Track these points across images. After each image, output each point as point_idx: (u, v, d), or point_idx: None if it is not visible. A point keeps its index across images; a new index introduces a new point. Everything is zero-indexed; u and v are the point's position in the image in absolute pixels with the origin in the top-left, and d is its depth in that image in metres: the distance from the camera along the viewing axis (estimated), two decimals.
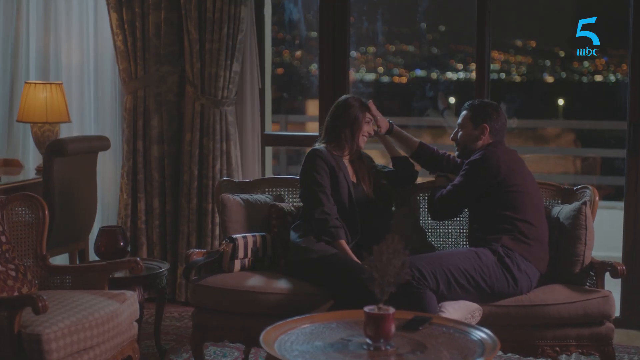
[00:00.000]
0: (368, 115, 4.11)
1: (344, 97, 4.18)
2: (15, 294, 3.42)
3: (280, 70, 9.11)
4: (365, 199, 4.06)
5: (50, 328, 3.12)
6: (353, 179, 4.09)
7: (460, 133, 4.00)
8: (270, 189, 4.37)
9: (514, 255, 3.71)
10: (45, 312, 3.08)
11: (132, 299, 3.58)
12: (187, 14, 5.11)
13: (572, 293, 3.73)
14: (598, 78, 9.12)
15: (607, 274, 3.79)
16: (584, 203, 3.86)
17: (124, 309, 3.49)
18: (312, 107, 8.83)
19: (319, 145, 4.08)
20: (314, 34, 8.34)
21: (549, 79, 9.51)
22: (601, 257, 3.96)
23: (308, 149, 4.15)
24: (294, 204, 4.29)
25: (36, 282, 3.68)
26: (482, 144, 3.94)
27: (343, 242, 3.87)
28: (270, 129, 5.64)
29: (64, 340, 3.14)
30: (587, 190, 4.04)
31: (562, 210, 3.97)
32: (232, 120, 5.20)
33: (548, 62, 9.47)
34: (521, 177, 3.85)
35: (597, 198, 4.00)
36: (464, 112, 4.02)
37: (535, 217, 3.83)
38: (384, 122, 4.17)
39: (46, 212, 3.78)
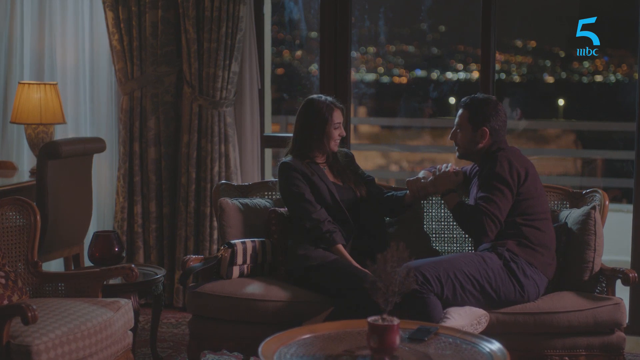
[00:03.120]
0: (337, 117, 3.92)
1: (308, 99, 3.97)
2: (5, 302, 3.31)
3: (280, 70, 9.03)
4: (354, 198, 3.95)
5: (41, 339, 3.01)
6: (335, 180, 3.97)
7: (459, 134, 3.86)
8: (270, 193, 4.26)
9: (520, 260, 3.62)
10: (34, 322, 2.97)
11: (126, 307, 3.48)
12: (185, 12, 5.03)
13: (581, 300, 3.64)
14: (598, 78, 9.10)
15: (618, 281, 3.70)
16: (593, 207, 3.77)
17: (117, 317, 3.39)
18: None
19: (286, 158, 3.94)
20: (314, 34, 8.26)
21: (549, 79, 9.49)
22: (608, 260, 3.88)
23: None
24: None
25: (28, 289, 3.58)
26: (484, 147, 3.81)
27: (340, 247, 3.76)
28: (270, 130, 5.55)
29: (54, 351, 3.03)
30: (597, 194, 3.95)
31: (571, 215, 3.86)
32: (231, 121, 5.11)
33: (548, 63, 9.45)
34: (533, 182, 3.73)
35: (607, 202, 3.90)
36: (461, 111, 3.85)
37: (542, 222, 3.73)
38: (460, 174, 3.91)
39: (37, 217, 3.67)
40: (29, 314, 2.94)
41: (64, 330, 3.10)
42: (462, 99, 3.89)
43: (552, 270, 3.72)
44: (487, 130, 3.78)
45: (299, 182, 3.85)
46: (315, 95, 4.00)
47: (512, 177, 3.66)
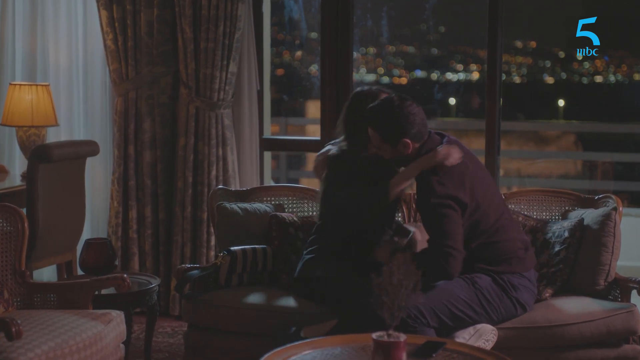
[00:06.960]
0: None
1: (355, 93, 3.62)
2: None
3: (280, 71, 8.96)
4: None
5: (26, 355, 2.86)
6: None
7: (382, 153, 3.44)
8: (269, 198, 4.12)
9: (502, 276, 3.40)
10: (19, 337, 2.83)
11: (118, 319, 3.34)
12: (181, 11, 4.91)
13: (593, 309, 3.51)
14: (598, 79, 9.10)
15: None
16: (614, 209, 3.66)
17: (109, 330, 3.24)
18: (313, 108, 8.71)
19: (335, 148, 3.60)
20: (315, 34, 8.18)
21: (549, 80, 9.51)
22: (616, 265, 3.74)
23: (315, 154, 3.80)
24: (296, 213, 4.03)
25: (16, 300, 3.42)
26: (413, 151, 3.41)
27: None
28: (269, 132, 5.44)
29: None
30: (610, 200, 3.82)
31: (588, 214, 3.74)
32: (229, 123, 4.99)
33: (548, 63, 9.43)
34: (471, 191, 3.36)
35: (620, 208, 3.77)
36: (370, 131, 3.39)
37: (501, 230, 3.43)
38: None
39: (25, 225, 3.50)
40: (13, 329, 2.80)
41: (51, 345, 2.96)
42: (365, 112, 3.42)
43: (532, 259, 3.51)
44: (409, 141, 3.38)
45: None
46: (359, 89, 3.64)
47: (452, 196, 3.32)
